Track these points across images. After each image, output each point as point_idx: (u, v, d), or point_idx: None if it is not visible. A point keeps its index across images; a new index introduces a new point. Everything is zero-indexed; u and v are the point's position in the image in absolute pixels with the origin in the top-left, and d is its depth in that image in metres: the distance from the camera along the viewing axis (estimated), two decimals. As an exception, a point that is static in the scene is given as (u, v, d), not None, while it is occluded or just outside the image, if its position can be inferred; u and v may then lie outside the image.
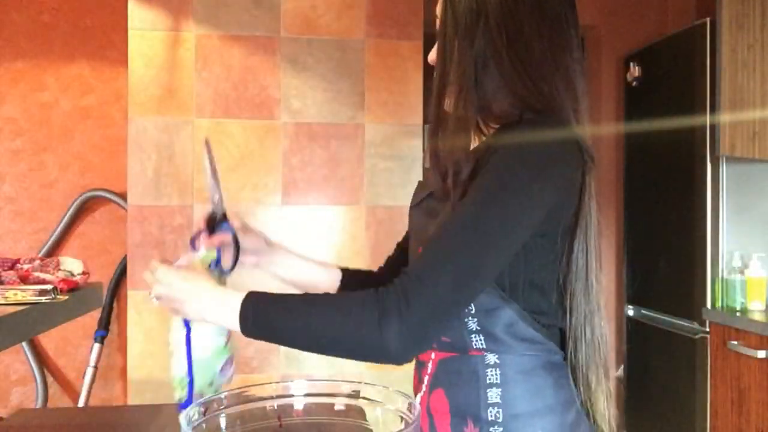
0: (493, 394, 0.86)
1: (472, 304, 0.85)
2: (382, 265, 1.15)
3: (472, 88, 0.86)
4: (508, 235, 0.80)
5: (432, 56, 0.93)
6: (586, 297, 0.90)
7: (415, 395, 0.95)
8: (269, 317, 0.83)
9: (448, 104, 0.88)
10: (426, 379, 0.92)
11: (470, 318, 0.86)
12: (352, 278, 1.11)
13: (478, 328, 0.86)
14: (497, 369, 0.87)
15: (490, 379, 0.86)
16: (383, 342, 0.76)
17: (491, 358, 0.87)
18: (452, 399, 0.88)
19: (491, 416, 0.86)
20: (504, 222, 0.79)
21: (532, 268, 0.87)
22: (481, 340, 0.87)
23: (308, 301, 0.84)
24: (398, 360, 0.78)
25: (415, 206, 0.99)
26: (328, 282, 1.10)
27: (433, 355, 0.91)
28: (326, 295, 0.89)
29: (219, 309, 0.85)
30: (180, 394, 0.91)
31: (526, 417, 0.86)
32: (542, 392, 0.87)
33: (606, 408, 0.92)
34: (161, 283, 0.89)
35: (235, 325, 0.84)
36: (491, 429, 0.85)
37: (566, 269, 0.89)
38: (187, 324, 0.90)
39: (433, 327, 0.79)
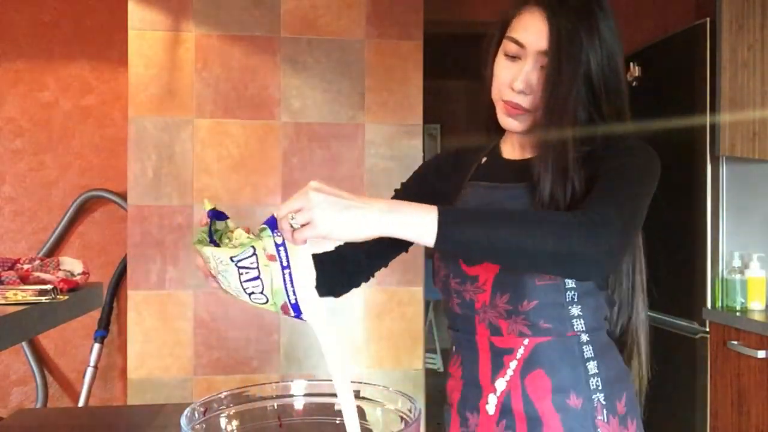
0: (592, 367, 1.01)
1: (576, 292, 1.01)
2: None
3: (585, 105, 1.04)
4: (647, 200, 0.97)
5: (531, 79, 1.02)
6: (641, 285, 1.11)
7: (489, 381, 1.04)
8: (470, 222, 0.85)
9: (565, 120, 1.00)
10: (514, 363, 1.02)
11: (574, 305, 1.01)
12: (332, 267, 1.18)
13: (581, 313, 1.02)
14: (589, 345, 1.02)
15: (586, 355, 1.02)
16: (597, 247, 0.83)
17: (584, 337, 1.02)
18: (555, 377, 1.00)
19: (593, 385, 1.01)
20: (649, 190, 0.97)
21: None
22: (581, 323, 1.02)
23: (505, 211, 0.97)
24: (606, 265, 0.86)
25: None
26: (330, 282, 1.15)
27: (526, 341, 1.01)
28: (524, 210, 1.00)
29: (413, 212, 0.83)
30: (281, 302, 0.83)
31: (617, 381, 1.03)
32: (619, 362, 1.07)
33: (647, 363, 1.12)
34: (321, 191, 0.80)
35: (430, 231, 0.82)
36: (593, 396, 1.00)
37: (633, 261, 1.08)
38: (283, 243, 0.80)
39: (629, 239, 0.90)
